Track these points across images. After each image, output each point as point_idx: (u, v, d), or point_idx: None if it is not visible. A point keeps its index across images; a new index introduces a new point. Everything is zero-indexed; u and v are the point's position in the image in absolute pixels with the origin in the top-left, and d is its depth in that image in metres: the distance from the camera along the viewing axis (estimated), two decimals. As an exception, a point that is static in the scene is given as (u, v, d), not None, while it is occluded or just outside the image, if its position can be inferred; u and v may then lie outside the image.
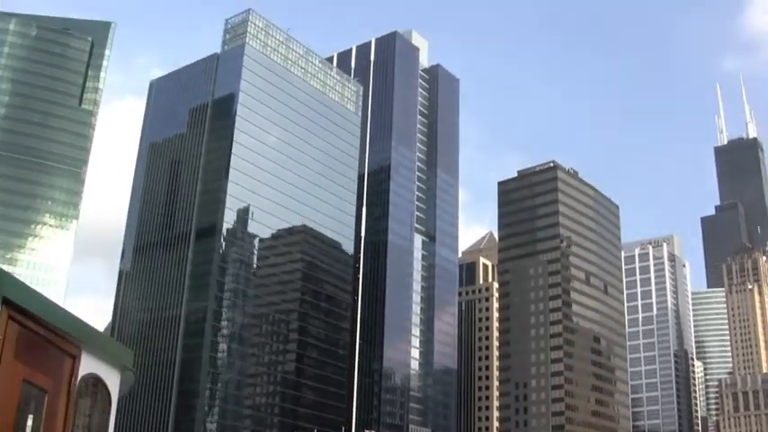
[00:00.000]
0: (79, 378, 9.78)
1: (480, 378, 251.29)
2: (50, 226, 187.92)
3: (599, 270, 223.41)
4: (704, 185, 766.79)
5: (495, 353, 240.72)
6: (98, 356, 10.18)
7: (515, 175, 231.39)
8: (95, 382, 10.23)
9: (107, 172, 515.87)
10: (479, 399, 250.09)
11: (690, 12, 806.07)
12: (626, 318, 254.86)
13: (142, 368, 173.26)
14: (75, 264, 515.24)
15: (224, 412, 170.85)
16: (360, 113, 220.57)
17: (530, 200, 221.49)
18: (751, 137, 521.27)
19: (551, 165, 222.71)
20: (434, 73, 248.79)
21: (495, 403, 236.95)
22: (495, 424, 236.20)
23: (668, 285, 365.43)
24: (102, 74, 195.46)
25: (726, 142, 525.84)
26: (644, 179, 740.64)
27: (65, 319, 9.60)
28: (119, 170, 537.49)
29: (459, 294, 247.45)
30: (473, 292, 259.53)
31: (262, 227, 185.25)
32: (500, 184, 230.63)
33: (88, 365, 9.94)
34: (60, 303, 10.70)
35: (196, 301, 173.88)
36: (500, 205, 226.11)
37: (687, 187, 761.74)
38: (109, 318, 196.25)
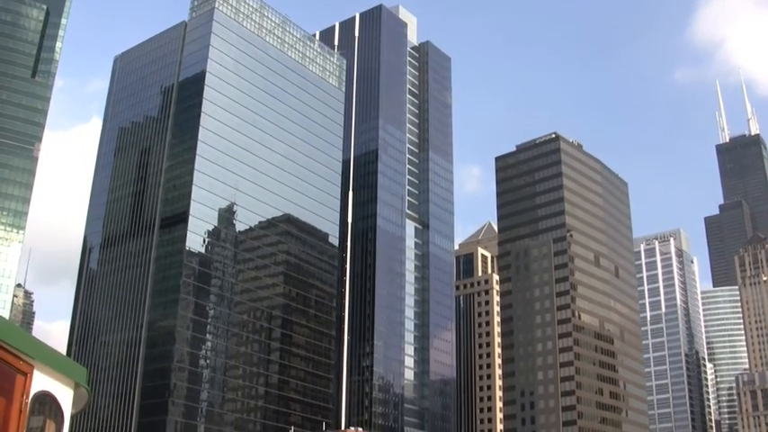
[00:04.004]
0: (31, 396, 9.57)
1: (482, 388, 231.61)
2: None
3: (609, 251, 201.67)
4: (705, 184, 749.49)
5: (497, 359, 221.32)
6: (50, 374, 9.95)
7: (514, 149, 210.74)
8: (48, 400, 10.03)
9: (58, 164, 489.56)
10: (481, 410, 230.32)
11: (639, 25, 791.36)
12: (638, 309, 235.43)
13: (104, 370, 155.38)
14: (44, 287, 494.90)
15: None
16: (343, 89, 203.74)
17: (530, 175, 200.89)
18: (753, 133, 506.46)
19: (553, 136, 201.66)
20: (424, 50, 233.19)
21: (499, 415, 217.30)
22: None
23: (677, 282, 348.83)
24: (58, 44, 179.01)
25: (728, 140, 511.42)
26: (641, 181, 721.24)
27: (16, 336, 9.33)
28: (73, 162, 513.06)
29: (457, 288, 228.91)
30: (471, 285, 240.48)
31: (239, 219, 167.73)
32: (498, 159, 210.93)
33: (40, 383, 9.72)
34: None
35: (162, 306, 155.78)
36: (498, 182, 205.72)
37: (687, 187, 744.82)
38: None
